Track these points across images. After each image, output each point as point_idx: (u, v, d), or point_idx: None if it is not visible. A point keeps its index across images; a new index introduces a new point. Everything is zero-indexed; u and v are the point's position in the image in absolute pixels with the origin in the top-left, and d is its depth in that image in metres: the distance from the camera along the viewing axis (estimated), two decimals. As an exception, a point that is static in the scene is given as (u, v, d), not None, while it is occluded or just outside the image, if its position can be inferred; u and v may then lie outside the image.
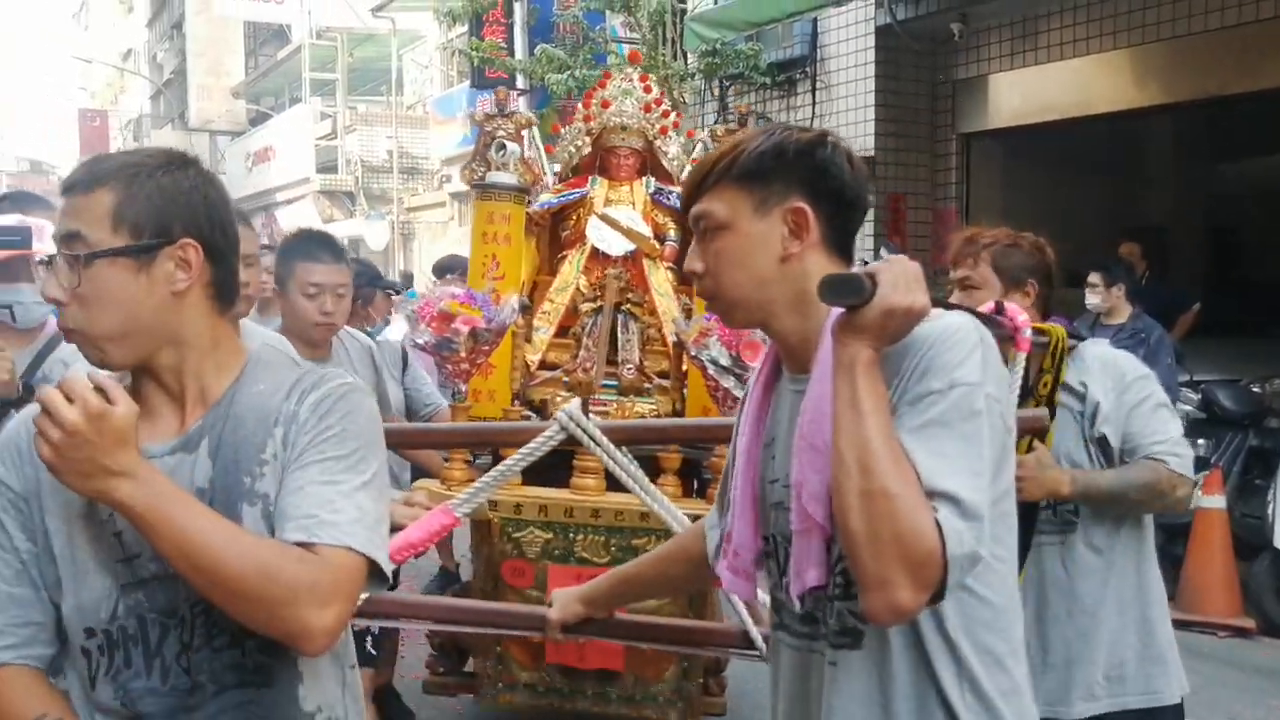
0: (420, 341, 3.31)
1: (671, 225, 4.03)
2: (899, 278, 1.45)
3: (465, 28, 14.19)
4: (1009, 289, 2.67)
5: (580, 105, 4.25)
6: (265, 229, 21.61)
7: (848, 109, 9.80)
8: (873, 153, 9.51)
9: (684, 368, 3.57)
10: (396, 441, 2.93)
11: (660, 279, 3.87)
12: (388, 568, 1.55)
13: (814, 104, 10.09)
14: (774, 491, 1.64)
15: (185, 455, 1.55)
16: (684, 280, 3.80)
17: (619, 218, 3.87)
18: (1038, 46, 9.03)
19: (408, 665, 4.70)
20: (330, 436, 1.54)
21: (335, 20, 24.84)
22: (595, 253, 3.96)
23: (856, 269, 1.52)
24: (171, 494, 1.44)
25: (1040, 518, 2.65)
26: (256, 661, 1.55)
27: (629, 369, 3.72)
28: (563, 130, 4.22)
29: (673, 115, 4.12)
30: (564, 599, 2.25)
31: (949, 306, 1.58)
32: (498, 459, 2.83)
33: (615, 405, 3.60)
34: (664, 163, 4.04)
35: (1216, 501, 6.25)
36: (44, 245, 3.06)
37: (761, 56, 10.11)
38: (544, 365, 3.85)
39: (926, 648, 1.50)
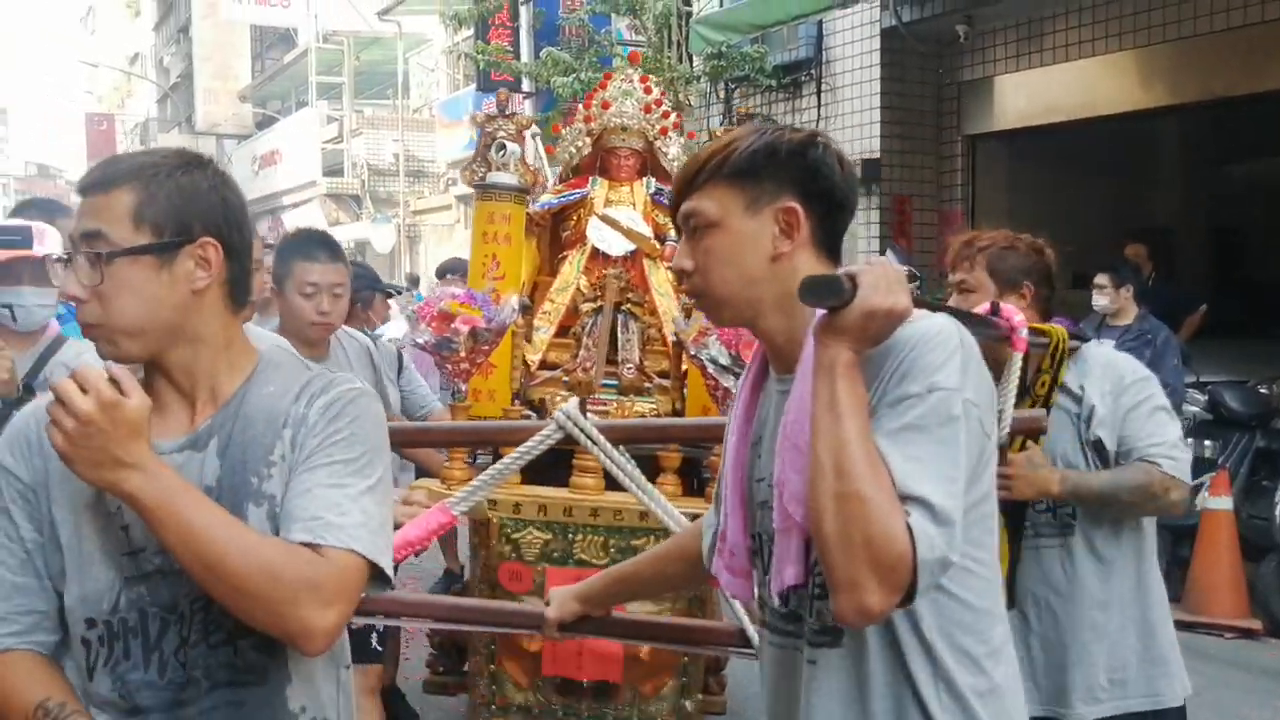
0: (420, 341, 3.31)
1: (672, 225, 4.01)
2: (880, 279, 1.45)
3: (471, 31, 14.23)
4: (1004, 291, 2.67)
5: (581, 106, 4.25)
6: (272, 232, 21.59)
7: (853, 111, 9.81)
8: (878, 155, 9.52)
9: (684, 367, 3.56)
10: (396, 440, 2.92)
11: (660, 279, 3.87)
12: (391, 571, 1.58)
13: (819, 106, 10.09)
14: (760, 490, 1.65)
15: (194, 453, 1.57)
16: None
17: (619, 218, 3.86)
18: (1043, 48, 9.02)
19: (412, 667, 4.70)
20: (339, 440, 1.56)
21: (341, 24, 24.90)
22: (596, 253, 3.95)
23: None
24: (181, 489, 1.46)
25: (1040, 520, 2.65)
26: (249, 660, 1.57)
27: (629, 369, 3.71)
28: (563, 131, 4.22)
29: (673, 116, 4.12)
30: (561, 597, 2.24)
31: (934, 308, 1.58)
32: (499, 459, 2.83)
33: (615, 405, 3.60)
34: (664, 163, 4.04)
35: (1223, 503, 6.24)
36: (44, 247, 3.08)
37: (767, 59, 10.11)
38: (544, 365, 3.85)
39: (902, 648, 1.51)
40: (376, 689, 3.64)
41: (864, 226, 9.58)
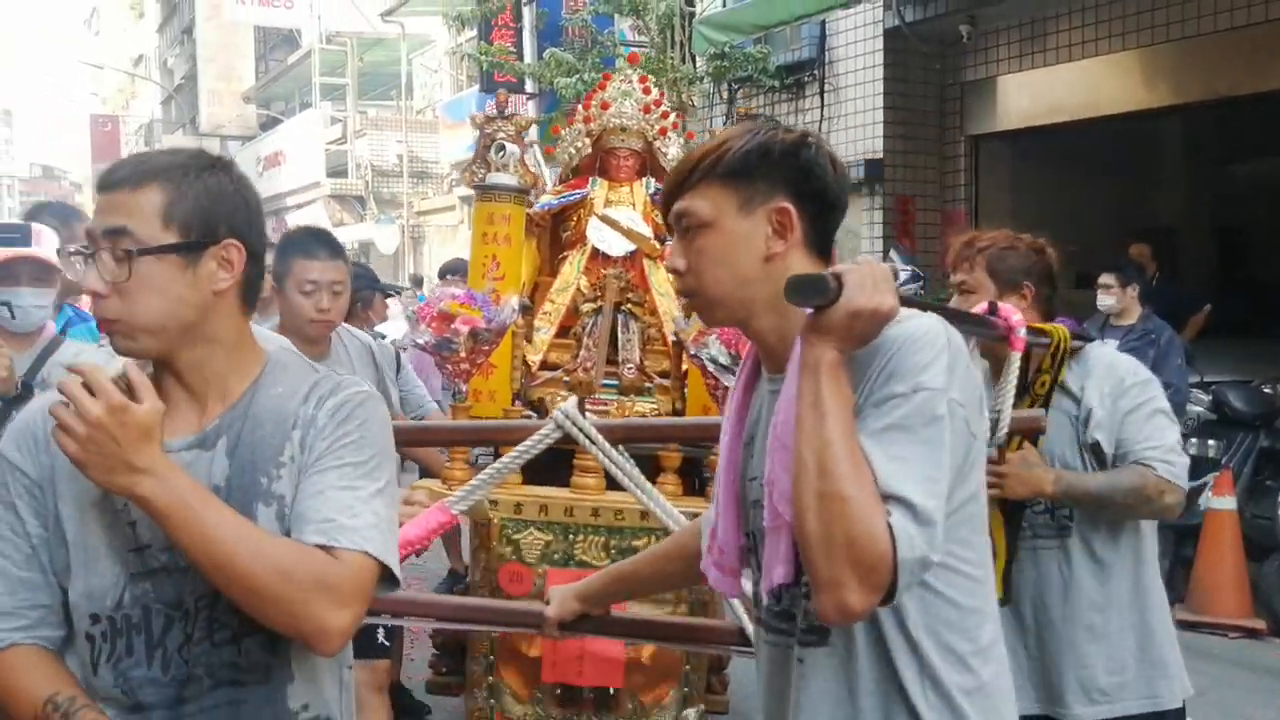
0: (421, 342, 3.31)
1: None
2: (866, 279, 1.44)
3: (474, 32, 14.26)
4: (1004, 292, 2.66)
5: (580, 107, 4.26)
6: (276, 233, 21.63)
7: (856, 111, 9.80)
8: (881, 155, 9.52)
9: (684, 367, 3.57)
10: (398, 439, 2.92)
11: (660, 279, 3.87)
12: (399, 573, 1.59)
13: (822, 106, 10.08)
14: (753, 489, 1.65)
15: (202, 452, 1.57)
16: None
17: (619, 218, 3.87)
18: (1046, 48, 9.01)
19: (415, 668, 4.70)
20: (349, 443, 1.57)
21: (345, 25, 24.95)
22: (596, 253, 3.96)
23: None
24: (194, 492, 1.47)
25: (1037, 521, 2.64)
26: (253, 659, 1.57)
27: (629, 369, 3.72)
28: (562, 131, 4.23)
29: (672, 116, 4.12)
30: (561, 596, 2.25)
31: (923, 307, 1.58)
32: (499, 459, 2.83)
33: (616, 405, 3.60)
34: (664, 164, 4.03)
35: (1227, 503, 6.23)
36: (43, 248, 3.09)
37: (770, 59, 10.10)
38: (545, 365, 3.85)
39: (889, 646, 1.52)
40: (384, 685, 3.64)
41: (867, 227, 9.57)
